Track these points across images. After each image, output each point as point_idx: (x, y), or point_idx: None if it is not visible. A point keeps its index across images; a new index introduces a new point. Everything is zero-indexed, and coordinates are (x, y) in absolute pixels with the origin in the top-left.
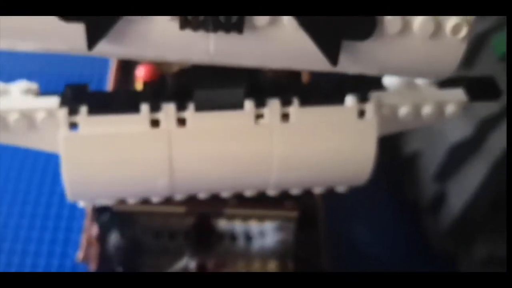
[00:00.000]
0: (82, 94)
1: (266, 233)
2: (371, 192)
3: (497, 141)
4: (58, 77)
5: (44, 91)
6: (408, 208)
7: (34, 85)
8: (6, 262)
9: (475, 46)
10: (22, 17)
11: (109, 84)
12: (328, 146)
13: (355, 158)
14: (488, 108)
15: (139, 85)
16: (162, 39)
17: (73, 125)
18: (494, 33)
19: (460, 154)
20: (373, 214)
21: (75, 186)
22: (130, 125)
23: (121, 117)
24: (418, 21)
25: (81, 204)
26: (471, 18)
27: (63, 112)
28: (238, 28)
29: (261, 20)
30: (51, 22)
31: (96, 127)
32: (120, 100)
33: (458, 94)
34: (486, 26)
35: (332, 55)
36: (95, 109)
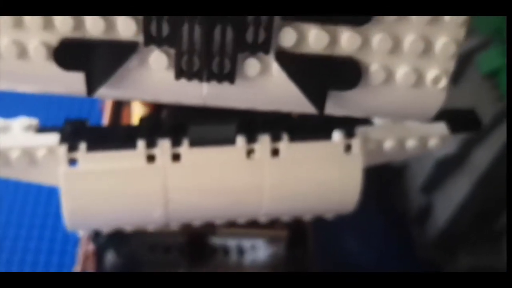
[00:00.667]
0: (81, 130)
1: (257, 248)
2: (360, 203)
3: (481, 157)
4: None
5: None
6: (396, 219)
7: (34, 121)
8: (6, 259)
9: (461, 64)
10: (23, 62)
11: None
12: (316, 179)
13: (342, 190)
14: None
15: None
16: (157, 86)
17: (72, 161)
18: (479, 52)
19: (446, 169)
20: (362, 224)
21: (74, 218)
22: (127, 161)
23: (119, 153)
24: (401, 72)
25: (80, 233)
26: (450, 69)
27: (63, 149)
28: (230, 78)
29: (252, 71)
30: (51, 69)
31: (95, 163)
32: (117, 135)
33: (440, 128)
34: (471, 45)
35: (319, 104)
36: (93, 145)
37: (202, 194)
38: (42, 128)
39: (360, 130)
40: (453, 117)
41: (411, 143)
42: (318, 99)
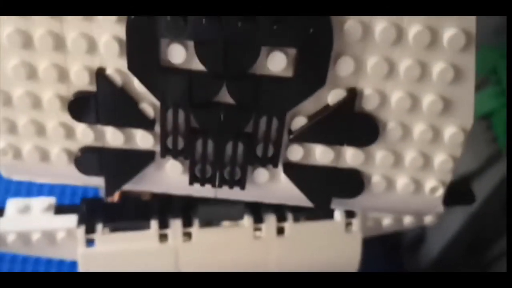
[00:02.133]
0: (97, 209)
1: None
2: None
3: (476, 193)
4: None
5: None
6: (389, 247)
7: (52, 200)
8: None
9: None
10: (44, 165)
11: None
12: (318, 255)
13: (343, 263)
14: (468, 162)
15: None
16: (172, 185)
17: (90, 241)
18: (474, 92)
19: None
20: None
21: None
22: (141, 241)
23: (133, 234)
24: (401, 182)
25: None
26: (447, 181)
27: (81, 231)
28: (241, 185)
29: (261, 178)
30: (71, 170)
31: (111, 243)
32: (131, 213)
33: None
34: None
35: (323, 208)
36: (109, 225)
37: (211, 269)
38: (60, 207)
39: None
40: (448, 191)
41: (408, 220)
42: (322, 205)
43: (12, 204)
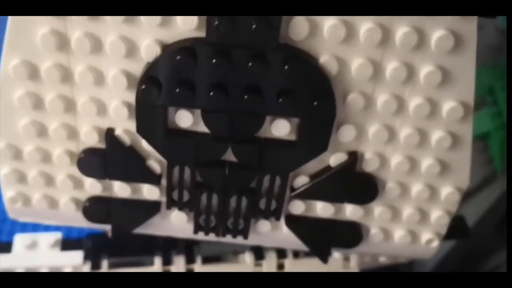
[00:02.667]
0: (102, 245)
1: None
2: None
3: (468, 214)
4: None
5: None
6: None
7: (58, 235)
8: None
9: None
10: (53, 211)
11: None
12: None
13: None
14: None
15: None
16: (177, 231)
17: None
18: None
19: None
20: None
21: None
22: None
23: (137, 270)
24: (398, 235)
25: None
26: (442, 233)
27: (87, 268)
28: (244, 234)
29: (263, 228)
30: (79, 217)
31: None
32: (136, 250)
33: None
34: None
35: (323, 257)
36: (114, 261)
37: None
38: (67, 242)
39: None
40: None
41: (403, 258)
42: (322, 254)
43: (20, 240)
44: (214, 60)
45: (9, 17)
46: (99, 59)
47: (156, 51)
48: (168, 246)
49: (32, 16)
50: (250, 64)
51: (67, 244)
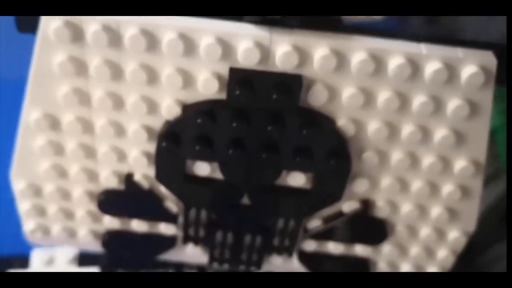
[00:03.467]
0: (119, 259)
1: None
2: None
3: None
4: None
5: None
6: None
7: (75, 250)
8: None
9: None
10: (72, 240)
11: None
12: None
13: None
14: None
15: None
16: (192, 259)
17: None
18: None
19: None
20: None
21: None
22: None
23: None
24: (405, 267)
25: None
26: (447, 268)
27: None
28: (257, 266)
29: (276, 262)
30: (97, 246)
31: None
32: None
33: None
34: None
35: None
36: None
37: None
38: (84, 257)
39: None
40: None
41: None
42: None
43: (37, 255)
44: (234, 124)
45: (31, 72)
46: (121, 115)
47: (177, 111)
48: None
49: (51, 67)
50: (269, 128)
51: (85, 259)
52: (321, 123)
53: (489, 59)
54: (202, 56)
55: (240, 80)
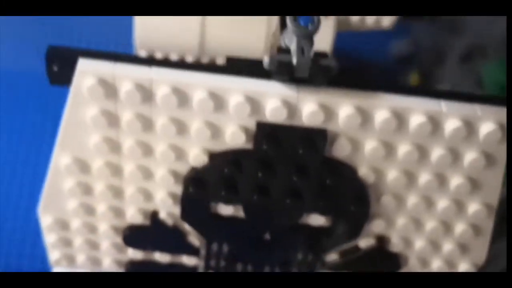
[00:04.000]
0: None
1: None
2: None
3: None
4: None
5: None
6: None
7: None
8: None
9: None
10: (95, 267)
11: None
12: None
13: None
14: None
15: None
16: None
17: None
18: None
19: None
20: None
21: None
22: None
23: None
24: None
25: None
26: None
27: None
28: None
29: None
30: (119, 270)
31: None
32: None
33: None
34: None
35: None
36: None
37: None
38: None
39: None
40: None
41: None
42: None
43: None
44: (259, 174)
45: (63, 120)
46: (149, 161)
47: (204, 159)
48: None
49: (83, 119)
50: (294, 178)
51: None
52: (343, 172)
53: (506, 115)
54: (231, 112)
55: (266, 134)
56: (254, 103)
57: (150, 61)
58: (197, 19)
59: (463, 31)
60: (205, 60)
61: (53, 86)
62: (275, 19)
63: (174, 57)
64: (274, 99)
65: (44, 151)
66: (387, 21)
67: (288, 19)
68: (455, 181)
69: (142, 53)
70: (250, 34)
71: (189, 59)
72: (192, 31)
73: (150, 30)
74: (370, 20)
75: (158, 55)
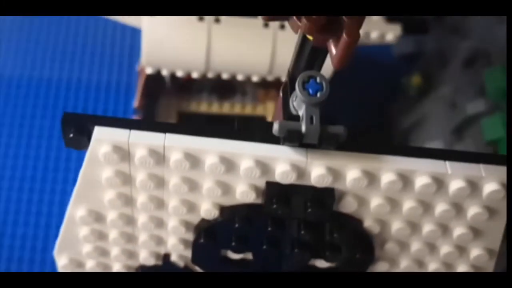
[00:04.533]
0: None
1: None
2: None
3: None
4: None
5: None
6: None
7: None
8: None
9: (467, 123)
10: None
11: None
12: None
13: None
14: None
15: None
16: None
17: None
18: (485, 116)
19: None
20: None
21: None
22: None
23: None
24: None
25: None
26: None
27: None
28: None
29: None
30: None
31: None
32: None
33: None
34: (478, 109)
35: None
36: None
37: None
38: None
39: None
40: None
41: None
42: None
43: None
44: (269, 228)
45: (80, 177)
46: (161, 213)
47: (214, 213)
48: None
49: (98, 178)
50: (302, 232)
51: None
52: (349, 225)
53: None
54: (241, 175)
55: (276, 193)
56: (264, 167)
57: (164, 127)
58: (203, 37)
59: (467, 34)
60: (210, 75)
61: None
62: (280, 36)
63: (180, 73)
64: (284, 164)
65: (44, 150)
66: (391, 35)
67: (297, 87)
68: (458, 230)
69: (149, 70)
70: (256, 51)
71: (195, 75)
72: (199, 49)
73: (157, 47)
74: (374, 35)
75: (165, 72)
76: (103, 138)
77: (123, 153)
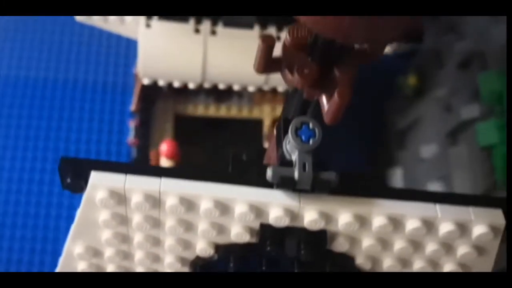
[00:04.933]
0: None
1: None
2: None
3: None
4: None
5: None
6: None
7: None
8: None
9: (462, 127)
10: None
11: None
12: None
13: None
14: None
15: (163, 161)
16: None
17: None
18: (480, 121)
19: None
20: None
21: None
22: None
23: None
24: None
25: None
26: None
27: None
28: None
29: None
30: None
31: None
32: None
33: None
34: (473, 114)
35: None
36: None
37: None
38: None
39: None
40: None
41: None
42: None
43: None
44: (263, 267)
45: (77, 216)
46: (158, 250)
47: (210, 252)
48: None
49: (95, 220)
50: (296, 270)
51: None
52: (342, 263)
53: (498, 218)
54: (235, 218)
55: (270, 235)
56: (258, 210)
57: (160, 171)
58: (200, 49)
59: (463, 34)
60: (206, 85)
61: None
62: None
63: (177, 84)
64: (277, 208)
65: (42, 152)
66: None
67: (290, 133)
68: (448, 267)
69: (146, 81)
70: (252, 62)
71: (191, 86)
72: (195, 61)
73: (153, 59)
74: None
75: (161, 83)
76: (99, 183)
77: (119, 198)
